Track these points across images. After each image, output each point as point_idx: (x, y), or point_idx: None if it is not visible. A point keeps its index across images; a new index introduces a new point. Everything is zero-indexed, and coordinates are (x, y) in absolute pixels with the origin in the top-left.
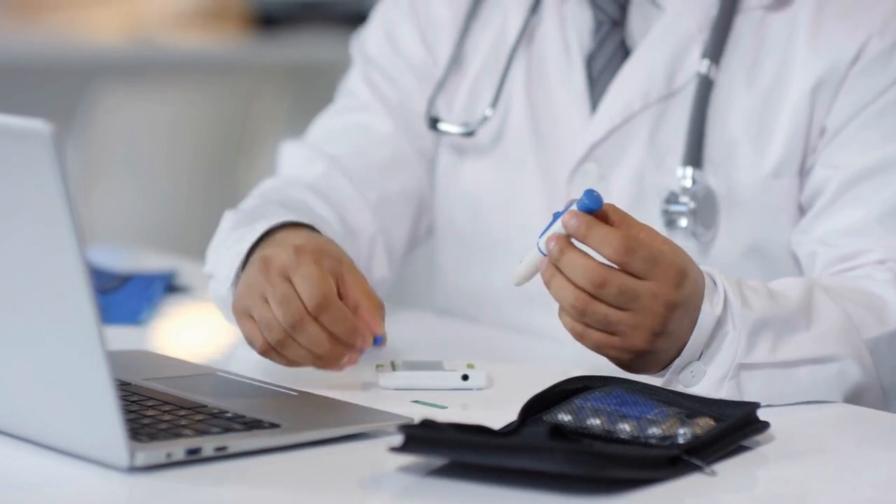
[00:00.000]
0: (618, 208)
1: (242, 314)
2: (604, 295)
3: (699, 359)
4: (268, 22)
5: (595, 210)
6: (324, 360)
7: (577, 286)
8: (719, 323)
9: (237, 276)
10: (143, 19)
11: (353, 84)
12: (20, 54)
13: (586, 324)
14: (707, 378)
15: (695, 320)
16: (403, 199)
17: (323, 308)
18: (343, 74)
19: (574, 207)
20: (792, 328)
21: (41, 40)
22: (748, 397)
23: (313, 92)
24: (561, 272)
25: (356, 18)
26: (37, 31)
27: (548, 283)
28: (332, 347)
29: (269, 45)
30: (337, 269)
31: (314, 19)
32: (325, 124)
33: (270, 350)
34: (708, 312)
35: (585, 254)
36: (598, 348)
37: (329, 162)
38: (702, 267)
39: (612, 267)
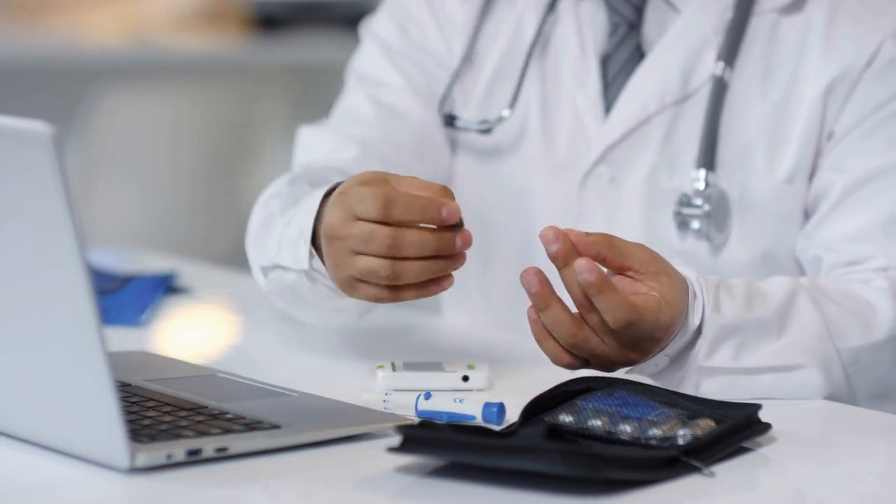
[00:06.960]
0: (614, 242)
1: (351, 284)
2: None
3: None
4: (268, 23)
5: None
6: (436, 266)
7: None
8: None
9: (310, 253)
10: (144, 21)
11: (372, 65)
12: (20, 56)
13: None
14: (667, 371)
15: (674, 334)
16: None
17: (391, 203)
18: (343, 76)
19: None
20: (760, 335)
21: (41, 42)
22: (707, 396)
23: (314, 93)
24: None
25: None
26: (37, 33)
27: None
28: (438, 237)
29: (269, 47)
30: (383, 178)
31: (314, 21)
32: (349, 107)
33: (393, 293)
34: (692, 325)
35: (567, 312)
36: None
37: (361, 147)
38: (683, 272)
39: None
